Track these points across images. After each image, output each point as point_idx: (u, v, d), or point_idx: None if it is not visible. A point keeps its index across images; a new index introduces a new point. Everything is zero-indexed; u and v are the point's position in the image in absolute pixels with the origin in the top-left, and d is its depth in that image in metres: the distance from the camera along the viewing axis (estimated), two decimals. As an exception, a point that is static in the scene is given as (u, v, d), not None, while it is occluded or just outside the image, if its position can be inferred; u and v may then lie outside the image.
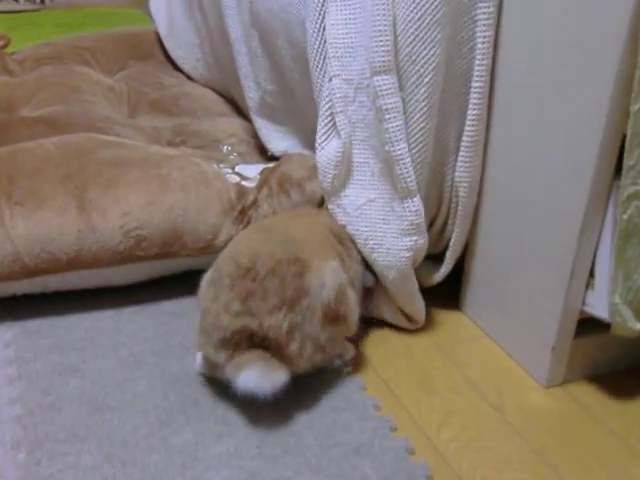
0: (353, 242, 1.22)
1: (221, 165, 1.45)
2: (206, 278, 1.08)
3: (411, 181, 1.16)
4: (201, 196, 1.32)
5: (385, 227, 1.21)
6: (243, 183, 1.38)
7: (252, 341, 1.01)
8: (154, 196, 1.30)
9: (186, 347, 1.20)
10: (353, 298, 1.11)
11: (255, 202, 1.33)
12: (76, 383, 1.12)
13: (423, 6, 1.08)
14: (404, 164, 1.15)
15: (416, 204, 1.18)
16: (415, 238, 1.20)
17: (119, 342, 1.22)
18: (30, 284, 1.27)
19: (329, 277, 1.06)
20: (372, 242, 1.21)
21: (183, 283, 1.31)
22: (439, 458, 1.02)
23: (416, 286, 1.25)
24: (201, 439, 1.02)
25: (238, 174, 1.42)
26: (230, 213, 1.32)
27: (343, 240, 1.20)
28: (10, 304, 1.28)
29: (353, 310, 1.11)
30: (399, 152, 1.15)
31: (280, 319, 1.01)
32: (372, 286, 1.25)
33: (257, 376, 0.99)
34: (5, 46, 2.21)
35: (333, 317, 1.06)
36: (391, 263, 1.21)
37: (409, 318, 1.29)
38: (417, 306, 1.27)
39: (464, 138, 1.18)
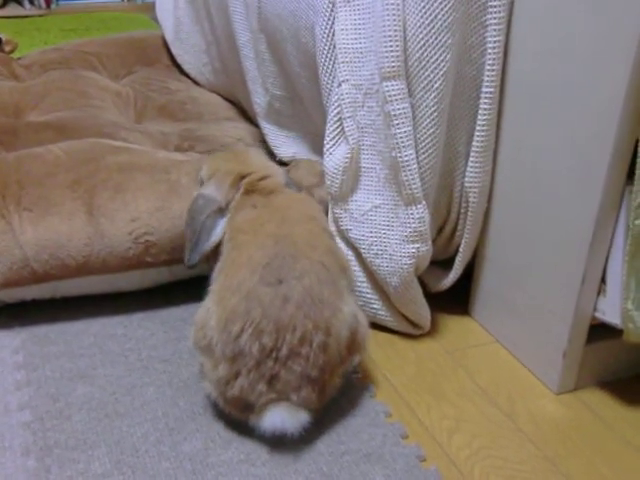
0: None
1: (229, 170, 1.44)
2: (219, 340, 0.99)
3: (416, 188, 1.16)
4: (210, 202, 1.32)
5: (389, 233, 1.20)
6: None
7: None
8: (163, 202, 1.30)
9: (195, 354, 1.19)
10: (363, 322, 1.08)
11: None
12: (85, 389, 1.12)
13: (433, 11, 1.08)
14: (410, 170, 1.15)
15: (420, 211, 1.17)
16: (418, 246, 1.19)
17: (128, 348, 1.22)
18: (39, 290, 1.27)
19: (345, 332, 1.02)
20: (376, 248, 1.21)
21: (192, 289, 1.31)
22: (450, 465, 1.01)
23: (419, 293, 1.25)
24: (211, 445, 1.02)
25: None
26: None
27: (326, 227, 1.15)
28: (19, 310, 1.28)
29: (364, 335, 1.08)
30: (406, 158, 1.14)
31: (309, 393, 0.99)
32: None
33: (284, 416, 0.98)
34: (12, 51, 2.21)
35: (348, 357, 1.05)
36: (394, 269, 1.20)
37: (414, 324, 1.28)
38: (421, 313, 1.27)
39: (474, 143, 1.18)
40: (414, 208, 1.17)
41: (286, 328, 0.97)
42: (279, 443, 1.02)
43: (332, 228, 1.26)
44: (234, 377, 0.98)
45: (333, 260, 1.06)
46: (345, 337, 1.02)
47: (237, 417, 1.03)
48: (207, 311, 1.03)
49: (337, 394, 1.07)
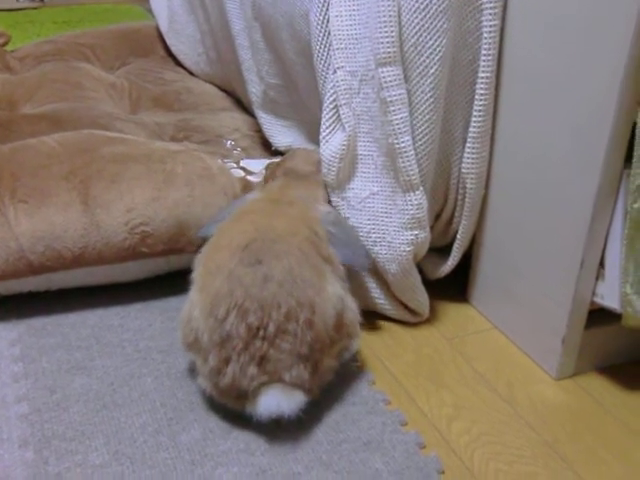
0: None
1: (225, 160, 1.44)
2: (205, 328, 0.99)
3: (414, 174, 1.15)
4: (206, 191, 1.31)
5: (387, 220, 1.20)
6: (248, 178, 1.37)
7: None
8: (159, 192, 1.29)
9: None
10: (351, 306, 1.08)
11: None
12: (82, 381, 1.11)
13: (429, -5, 1.07)
14: (407, 157, 1.14)
15: (418, 198, 1.17)
16: (416, 232, 1.19)
17: (125, 339, 1.21)
18: (35, 282, 1.26)
19: (330, 310, 1.02)
20: (374, 235, 1.21)
21: (188, 279, 1.30)
22: (450, 452, 1.01)
23: (418, 280, 1.25)
24: (210, 435, 1.02)
25: (243, 169, 1.41)
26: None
27: (319, 233, 1.13)
28: (15, 302, 1.27)
29: (353, 318, 1.08)
30: (403, 145, 1.14)
31: (301, 371, 0.98)
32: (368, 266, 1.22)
33: (279, 398, 0.98)
34: (5, 44, 2.20)
35: (338, 339, 1.05)
36: (392, 257, 1.20)
37: (412, 311, 1.28)
38: (420, 300, 1.26)
39: (471, 129, 1.17)
40: (412, 195, 1.17)
41: (270, 306, 0.97)
42: (278, 432, 1.01)
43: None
44: (225, 364, 0.98)
45: (313, 250, 1.05)
46: (331, 316, 1.01)
47: (233, 407, 1.02)
48: (190, 304, 1.03)
49: (336, 382, 1.07)
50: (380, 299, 1.27)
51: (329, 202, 1.24)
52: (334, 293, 1.03)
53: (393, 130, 1.13)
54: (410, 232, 1.19)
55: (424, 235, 1.20)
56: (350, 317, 1.07)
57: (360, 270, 1.23)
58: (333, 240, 1.14)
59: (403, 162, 1.14)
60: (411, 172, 1.15)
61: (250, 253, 1.01)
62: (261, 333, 0.97)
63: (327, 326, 1.01)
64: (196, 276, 1.06)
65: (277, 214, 1.10)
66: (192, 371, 1.12)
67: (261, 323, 0.97)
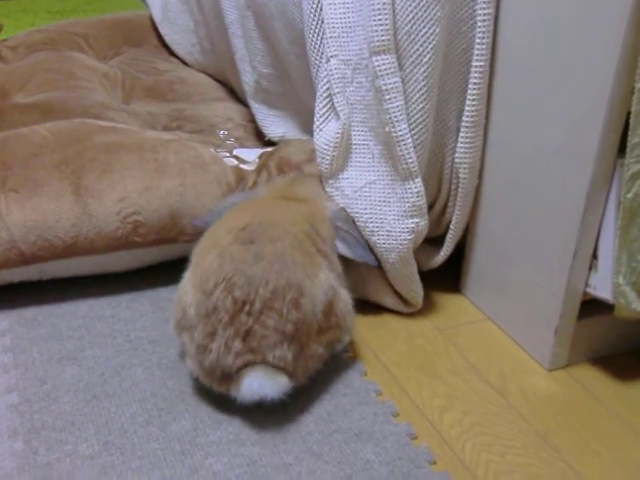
0: (329, 229, 1.17)
1: (218, 149, 1.43)
2: (193, 302, 1.01)
3: (412, 162, 1.14)
4: (199, 180, 1.30)
5: (386, 209, 1.19)
6: (242, 166, 1.37)
7: None
8: (151, 181, 1.28)
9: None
10: (345, 299, 1.08)
11: (255, 186, 1.32)
12: (73, 371, 1.11)
13: (422, -17, 1.06)
14: (405, 145, 1.13)
15: (418, 185, 1.16)
16: (417, 220, 1.18)
17: (116, 329, 1.21)
18: (26, 272, 1.25)
19: (320, 295, 1.02)
20: (372, 225, 1.20)
21: (180, 269, 1.29)
22: (442, 443, 1.01)
23: (415, 270, 1.24)
24: (200, 426, 1.01)
25: (236, 157, 1.40)
26: (229, 197, 1.31)
27: (319, 231, 1.13)
28: (6, 292, 1.27)
29: (345, 311, 1.07)
30: (400, 133, 1.13)
31: (284, 351, 0.98)
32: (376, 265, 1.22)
33: (262, 380, 0.97)
34: (-2, 33, 2.18)
35: (327, 327, 1.04)
36: (392, 246, 1.19)
37: (405, 301, 1.28)
38: (415, 290, 1.26)
39: (464, 118, 1.16)
40: (412, 182, 1.16)
41: (259, 282, 0.98)
42: (269, 423, 1.01)
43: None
44: (210, 339, 0.98)
45: (309, 241, 1.07)
46: (320, 301, 1.02)
47: (218, 390, 1.02)
48: (184, 280, 1.06)
49: (327, 373, 1.07)
50: (372, 288, 1.26)
51: None
52: (326, 280, 1.04)
53: (389, 118, 1.13)
54: (411, 220, 1.18)
55: (424, 223, 1.19)
56: (342, 309, 1.06)
57: (372, 266, 1.22)
58: (344, 236, 1.17)
59: (401, 150, 1.14)
60: (409, 160, 1.14)
61: (246, 234, 1.03)
62: (247, 308, 0.97)
63: (315, 310, 1.01)
64: (193, 254, 1.08)
65: (283, 208, 1.13)
66: (183, 361, 1.12)
67: (247, 298, 0.97)
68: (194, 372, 1.03)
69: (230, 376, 0.98)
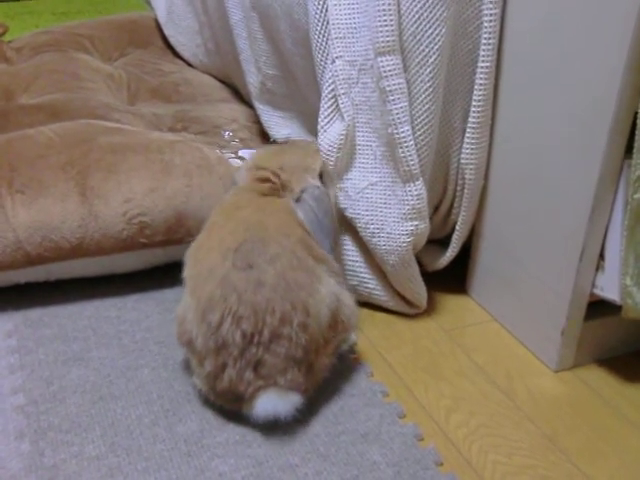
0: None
1: (224, 151, 1.43)
2: (199, 333, 0.98)
3: (414, 164, 1.14)
4: (204, 181, 1.31)
5: (386, 211, 1.19)
6: (246, 168, 1.36)
7: None
8: (157, 182, 1.28)
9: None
10: (347, 302, 1.07)
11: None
12: (79, 372, 1.11)
13: (428, -16, 1.06)
14: (407, 147, 1.13)
15: (418, 188, 1.16)
16: (416, 223, 1.18)
17: (122, 330, 1.21)
18: (32, 273, 1.25)
19: (324, 310, 1.01)
20: (373, 226, 1.20)
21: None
22: (448, 444, 1.01)
23: (417, 271, 1.24)
24: (206, 427, 1.01)
25: (241, 158, 1.40)
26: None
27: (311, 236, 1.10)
28: (12, 293, 1.27)
29: (349, 314, 1.06)
30: (402, 135, 1.13)
31: (295, 374, 0.98)
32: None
33: (275, 401, 0.97)
34: (3, 34, 2.19)
35: (333, 336, 1.04)
36: (391, 248, 1.19)
37: (410, 303, 1.27)
38: (418, 291, 1.25)
39: (470, 119, 1.16)
40: (412, 185, 1.16)
41: (265, 311, 0.96)
42: (275, 425, 1.01)
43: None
44: (221, 370, 0.97)
45: (306, 251, 1.03)
46: (325, 317, 1.01)
47: (229, 408, 1.02)
48: (184, 304, 1.02)
49: (333, 374, 1.06)
50: (377, 290, 1.26)
51: (321, 176, 1.18)
52: (328, 293, 1.02)
53: (393, 120, 1.12)
54: (410, 223, 1.18)
55: (424, 226, 1.19)
56: (346, 313, 1.06)
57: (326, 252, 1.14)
58: (309, 215, 1.10)
59: (403, 152, 1.14)
60: (411, 162, 1.14)
61: (241, 256, 0.99)
62: (256, 339, 0.96)
63: (321, 327, 1.00)
64: (187, 277, 1.04)
65: (270, 214, 1.06)
66: (189, 363, 1.11)
67: (255, 329, 0.96)
68: (203, 391, 1.03)
69: (242, 399, 0.98)
